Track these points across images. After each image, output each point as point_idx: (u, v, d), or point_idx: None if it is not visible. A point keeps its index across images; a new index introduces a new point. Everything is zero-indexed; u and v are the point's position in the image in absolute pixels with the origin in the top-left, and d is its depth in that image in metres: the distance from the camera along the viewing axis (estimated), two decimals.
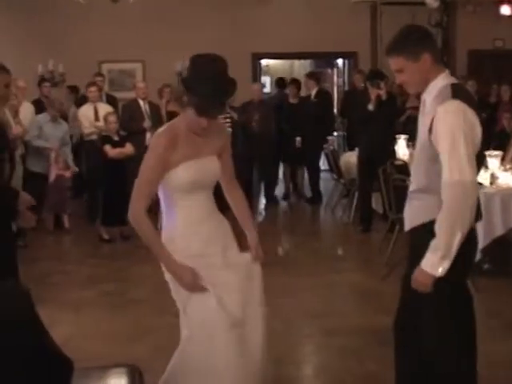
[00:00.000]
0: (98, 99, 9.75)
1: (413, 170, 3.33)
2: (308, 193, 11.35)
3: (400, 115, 9.98)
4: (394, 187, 6.94)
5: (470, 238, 3.14)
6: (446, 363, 3.23)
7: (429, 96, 3.18)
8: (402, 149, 8.82)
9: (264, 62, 14.79)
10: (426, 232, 3.09)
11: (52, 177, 9.01)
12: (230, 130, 10.13)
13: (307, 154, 11.05)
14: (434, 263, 2.97)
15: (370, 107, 8.33)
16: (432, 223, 3.04)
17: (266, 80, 16.46)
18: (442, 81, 3.16)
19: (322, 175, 11.41)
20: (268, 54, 13.11)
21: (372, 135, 8.36)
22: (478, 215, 3.21)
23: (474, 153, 3.02)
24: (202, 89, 3.10)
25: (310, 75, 11.61)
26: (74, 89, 11.24)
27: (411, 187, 3.31)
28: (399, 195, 6.83)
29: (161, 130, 3.32)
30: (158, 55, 11.83)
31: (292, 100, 11.30)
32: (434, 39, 3.26)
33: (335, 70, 15.54)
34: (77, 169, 9.35)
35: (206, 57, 3.17)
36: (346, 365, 4.66)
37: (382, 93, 8.31)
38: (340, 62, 14.41)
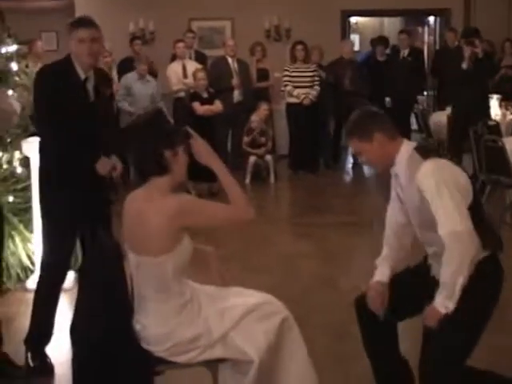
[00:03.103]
0: (185, 56, 9.80)
1: (429, 239, 3.26)
2: None
3: (494, 74, 9.70)
4: (485, 148, 6.79)
5: (494, 271, 3.19)
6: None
7: (400, 169, 3.22)
8: (494, 109, 8.57)
9: (353, 19, 14.54)
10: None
11: None
12: (318, 88, 10.08)
13: (396, 113, 10.87)
14: (441, 302, 3.07)
15: (464, 66, 8.12)
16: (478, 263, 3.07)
17: (355, 38, 16.20)
18: (405, 150, 3.20)
19: (412, 135, 11.20)
20: (357, 11, 12.83)
21: (466, 94, 8.18)
22: (500, 246, 3.23)
23: (463, 201, 3.03)
24: None
25: (402, 31, 11.56)
26: None
27: (432, 250, 3.29)
28: (490, 156, 6.73)
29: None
30: (247, 13, 11.79)
31: (380, 58, 11.14)
32: (382, 117, 3.32)
33: (426, 28, 15.15)
34: None
35: None
36: None
37: (478, 50, 8.09)
38: (431, 19, 14.03)
